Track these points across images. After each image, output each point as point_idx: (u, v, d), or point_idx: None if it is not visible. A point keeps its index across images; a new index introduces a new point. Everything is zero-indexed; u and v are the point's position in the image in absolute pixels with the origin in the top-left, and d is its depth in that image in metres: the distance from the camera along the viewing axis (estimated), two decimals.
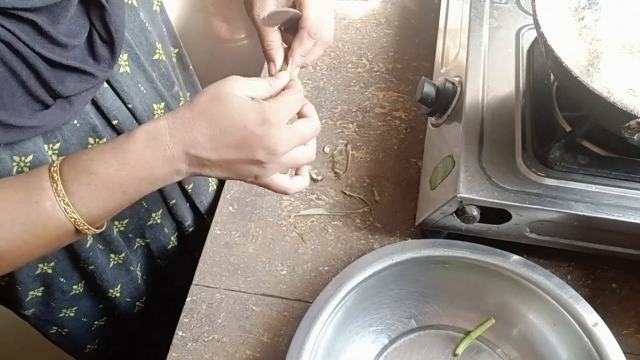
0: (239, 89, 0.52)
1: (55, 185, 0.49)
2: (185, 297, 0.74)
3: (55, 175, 0.49)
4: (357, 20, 1.04)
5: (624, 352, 0.60)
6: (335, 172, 0.84)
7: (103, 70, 0.58)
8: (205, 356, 0.70)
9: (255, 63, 1.08)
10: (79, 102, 0.57)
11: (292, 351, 0.61)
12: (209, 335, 0.72)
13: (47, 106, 0.55)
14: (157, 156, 0.50)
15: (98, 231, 0.53)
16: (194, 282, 0.76)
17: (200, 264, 0.77)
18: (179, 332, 0.72)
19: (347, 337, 0.68)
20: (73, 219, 0.49)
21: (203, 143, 0.50)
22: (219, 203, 0.82)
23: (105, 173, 0.49)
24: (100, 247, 0.73)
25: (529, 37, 0.79)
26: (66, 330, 0.81)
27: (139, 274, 0.84)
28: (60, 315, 0.78)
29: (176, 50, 0.80)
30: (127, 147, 0.49)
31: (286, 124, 0.53)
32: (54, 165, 0.50)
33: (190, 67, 0.86)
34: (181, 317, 0.73)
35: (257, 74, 0.96)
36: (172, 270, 0.90)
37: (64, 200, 0.49)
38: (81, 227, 0.50)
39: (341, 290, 0.65)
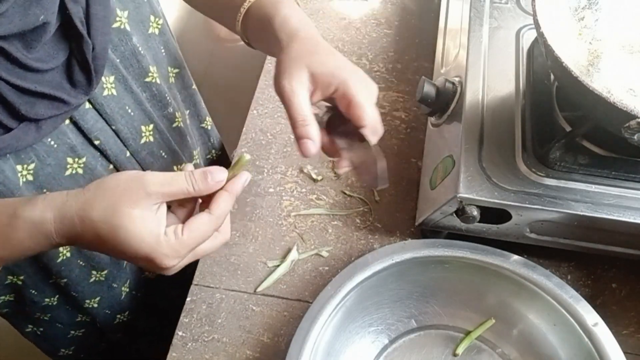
0: (152, 187, 0.47)
1: None
2: (178, 307, 0.74)
3: None
4: (357, 20, 1.03)
5: (624, 352, 0.60)
6: (335, 172, 0.84)
7: (77, 97, 0.56)
8: (205, 356, 0.70)
9: (254, 63, 1.08)
10: (47, 125, 0.55)
11: (292, 351, 0.61)
12: (209, 335, 0.72)
13: (9, 129, 0.52)
14: (41, 243, 0.48)
15: None
16: (194, 282, 0.75)
17: (200, 264, 0.77)
18: (179, 332, 0.72)
19: (347, 337, 0.68)
20: None
21: (88, 246, 0.49)
22: None
23: None
24: (81, 262, 0.72)
25: (529, 37, 0.79)
26: (41, 329, 0.80)
27: (126, 290, 0.82)
28: (35, 316, 0.77)
29: (176, 71, 0.78)
30: (10, 233, 0.48)
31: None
32: None
33: (193, 86, 0.84)
34: (181, 317, 0.73)
35: (256, 74, 0.96)
36: (162, 283, 0.89)
37: None
38: None
39: (341, 290, 0.65)
